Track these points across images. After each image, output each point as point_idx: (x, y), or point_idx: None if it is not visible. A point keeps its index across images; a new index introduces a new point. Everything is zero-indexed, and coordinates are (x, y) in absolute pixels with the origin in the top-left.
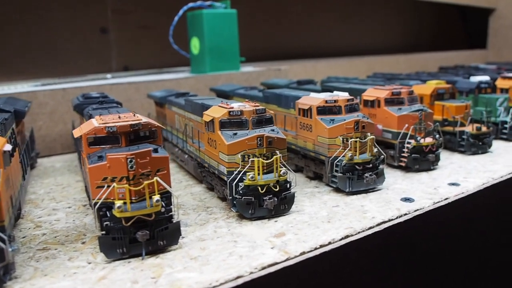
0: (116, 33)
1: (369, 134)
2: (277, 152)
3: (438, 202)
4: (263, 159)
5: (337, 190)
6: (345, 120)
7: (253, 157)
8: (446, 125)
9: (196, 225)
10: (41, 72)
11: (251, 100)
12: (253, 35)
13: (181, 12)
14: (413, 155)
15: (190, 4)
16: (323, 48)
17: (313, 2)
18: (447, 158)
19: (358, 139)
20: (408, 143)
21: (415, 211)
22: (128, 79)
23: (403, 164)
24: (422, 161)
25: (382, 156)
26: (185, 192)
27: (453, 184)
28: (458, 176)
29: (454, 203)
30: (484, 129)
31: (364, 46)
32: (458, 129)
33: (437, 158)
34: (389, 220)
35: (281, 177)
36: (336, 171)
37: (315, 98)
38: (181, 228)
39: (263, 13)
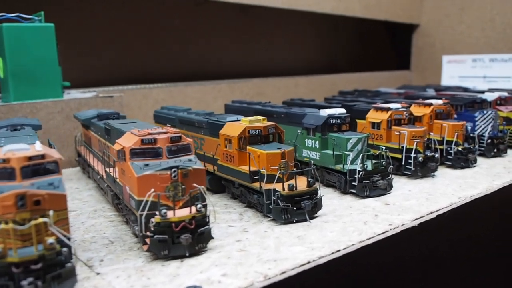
0: None
1: (51, 213)
2: None
3: None
4: None
5: None
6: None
7: None
8: (255, 180)
9: None
10: None
11: None
12: (115, 56)
13: None
14: (156, 236)
15: None
16: (203, 69)
17: (195, 16)
18: (243, 230)
19: (12, 224)
20: (154, 216)
21: None
22: None
23: (145, 249)
24: (174, 244)
25: (65, 249)
26: None
27: None
28: (217, 271)
29: None
30: (302, 187)
31: (265, 66)
32: (266, 186)
33: (202, 239)
34: None
35: None
36: None
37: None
38: None
39: (137, 31)
